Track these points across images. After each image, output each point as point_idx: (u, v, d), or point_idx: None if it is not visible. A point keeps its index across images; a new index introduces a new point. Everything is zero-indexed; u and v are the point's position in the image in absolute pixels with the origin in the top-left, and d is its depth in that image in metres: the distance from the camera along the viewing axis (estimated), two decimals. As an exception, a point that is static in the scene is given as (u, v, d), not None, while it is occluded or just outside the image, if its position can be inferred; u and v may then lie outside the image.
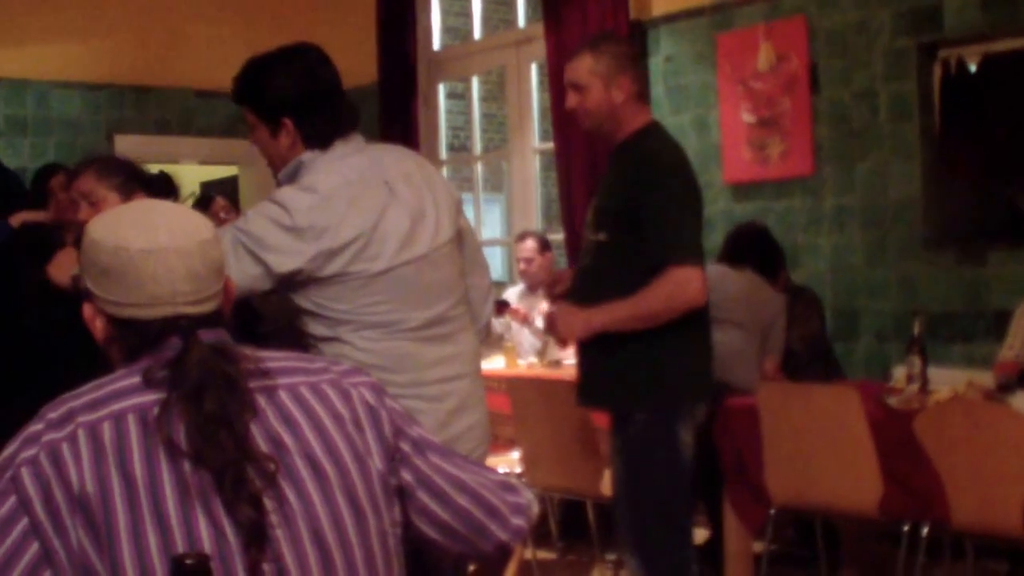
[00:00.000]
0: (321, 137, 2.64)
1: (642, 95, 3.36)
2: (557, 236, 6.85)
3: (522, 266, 6.34)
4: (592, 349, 3.34)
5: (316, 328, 2.61)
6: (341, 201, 2.54)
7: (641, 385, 3.23)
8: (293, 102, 2.63)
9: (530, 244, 6.34)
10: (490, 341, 4.54)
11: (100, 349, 1.54)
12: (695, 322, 3.24)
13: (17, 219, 3.88)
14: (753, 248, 4.92)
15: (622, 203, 3.25)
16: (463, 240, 2.83)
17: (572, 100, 3.36)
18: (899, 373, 4.43)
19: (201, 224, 1.51)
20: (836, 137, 5.39)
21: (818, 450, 3.95)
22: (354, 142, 2.68)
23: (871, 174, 5.26)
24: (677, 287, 3.14)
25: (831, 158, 5.40)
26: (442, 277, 2.68)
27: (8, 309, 3.72)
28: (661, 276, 3.14)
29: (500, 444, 4.95)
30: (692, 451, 3.27)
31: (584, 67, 3.31)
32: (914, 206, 5.13)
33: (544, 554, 5.24)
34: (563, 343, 3.41)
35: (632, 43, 3.46)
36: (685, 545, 3.32)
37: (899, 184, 5.17)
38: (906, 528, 3.81)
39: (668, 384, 3.23)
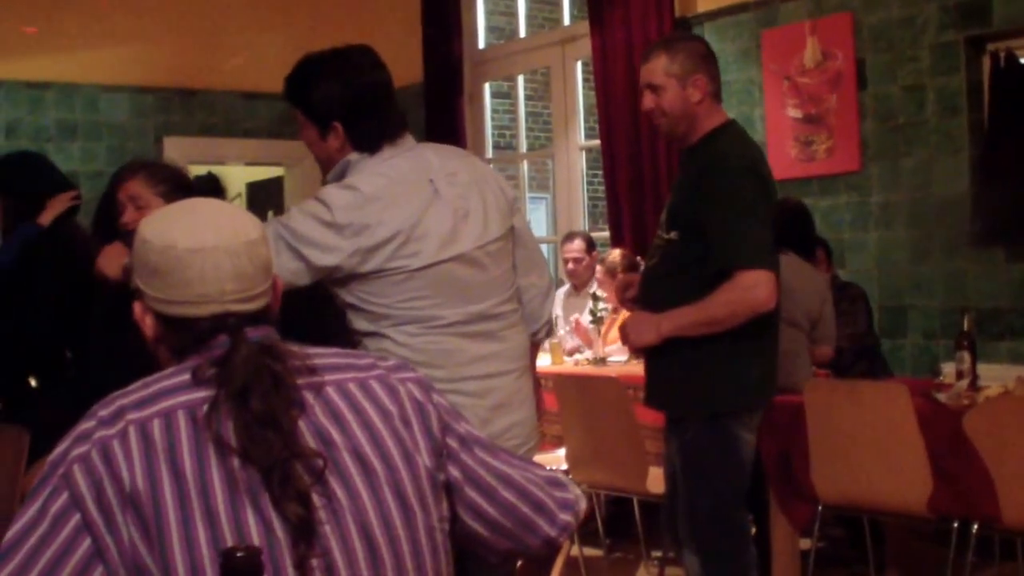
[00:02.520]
0: (370, 141, 2.66)
1: (717, 95, 3.30)
2: (603, 234, 6.85)
3: (570, 266, 6.34)
4: (655, 352, 3.33)
5: (359, 323, 2.64)
6: (382, 200, 2.57)
7: (701, 389, 3.22)
8: (343, 106, 2.65)
9: (578, 244, 6.34)
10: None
11: (130, 345, 1.55)
12: (760, 325, 3.21)
13: (45, 217, 3.92)
14: (792, 227, 4.75)
15: (691, 204, 3.22)
16: (518, 239, 2.83)
17: (649, 101, 3.30)
18: (948, 370, 4.38)
19: (249, 223, 1.52)
20: (883, 133, 5.34)
21: (866, 447, 3.91)
22: (402, 145, 2.70)
23: (918, 170, 5.21)
24: (745, 291, 3.09)
25: (878, 154, 5.36)
26: (487, 275, 2.69)
27: (37, 306, 3.77)
28: (729, 280, 3.09)
29: (547, 442, 4.95)
30: (753, 449, 3.26)
31: (659, 67, 3.26)
32: (962, 202, 5.08)
33: (591, 551, 5.23)
34: (634, 349, 3.39)
35: (706, 42, 3.40)
36: (744, 547, 3.31)
37: (946, 180, 5.12)
38: (955, 527, 3.77)
39: (728, 388, 3.22)
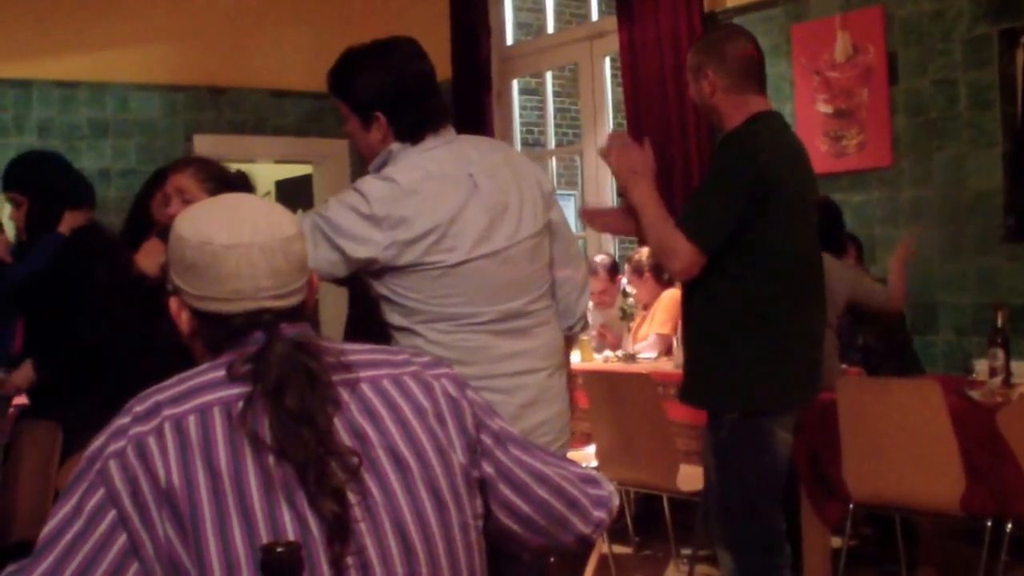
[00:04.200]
0: (413, 131, 2.66)
1: (740, 91, 3.31)
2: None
3: (594, 299, 6.25)
4: (693, 347, 3.36)
5: (392, 317, 2.64)
6: (420, 193, 2.56)
7: (737, 386, 3.22)
8: (385, 97, 2.65)
9: (601, 276, 6.35)
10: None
11: (165, 341, 1.56)
12: (800, 324, 3.26)
13: (65, 226, 3.94)
14: (820, 224, 4.72)
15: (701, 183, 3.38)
16: (555, 232, 2.82)
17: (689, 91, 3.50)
18: (980, 367, 4.34)
19: (285, 219, 1.52)
20: (914, 127, 5.30)
21: (897, 445, 3.89)
22: (444, 135, 2.70)
23: (950, 165, 5.17)
24: (671, 251, 3.20)
25: (909, 149, 5.32)
26: (521, 272, 2.68)
27: (72, 311, 3.80)
28: (676, 232, 3.20)
29: (576, 439, 4.95)
30: (789, 447, 3.26)
31: (687, 64, 3.42)
32: (994, 197, 5.03)
33: (620, 549, 5.23)
34: (605, 158, 3.44)
35: (741, 39, 3.41)
36: (778, 545, 3.30)
37: (979, 175, 5.07)
38: (988, 525, 3.74)
39: (764, 385, 3.22)
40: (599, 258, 6.50)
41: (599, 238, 7.03)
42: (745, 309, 3.21)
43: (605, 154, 3.38)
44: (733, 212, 3.17)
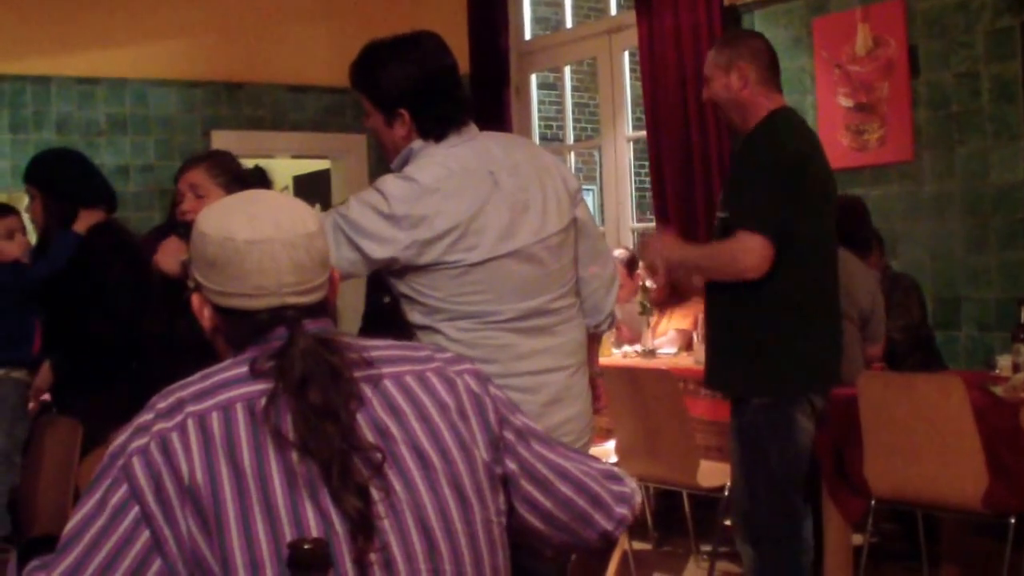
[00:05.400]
0: (437, 128, 2.64)
1: (767, 84, 3.39)
2: (649, 225, 6.81)
3: None
4: (718, 333, 3.40)
5: (413, 315, 2.62)
6: (440, 192, 2.54)
7: (760, 371, 3.26)
8: (411, 93, 2.62)
9: (618, 270, 6.33)
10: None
11: (186, 337, 1.55)
12: (822, 311, 3.34)
13: (80, 225, 3.95)
14: (846, 223, 4.72)
15: (731, 182, 3.39)
16: (581, 230, 2.79)
17: (704, 92, 3.51)
18: (1003, 362, 4.31)
19: (307, 215, 1.52)
20: (936, 121, 5.27)
21: (920, 441, 3.87)
22: (467, 132, 2.68)
23: (972, 158, 5.14)
24: (739, 252, 3.22)
25: (931, 142, 5.29)
26: (544, 269, 2.66)
27: (87, 310, 3.81)
28: (730, 238, 3.25)
29: (596, 434, 4.93)
30: (811, 438, 3.27)
31: (709, 60, 3.46)
32: (1017, 191, 5.00)
33: (640, 545, 5.22)
34: (650, 268, 3.61)
35: (762, 37, 3.49)
36: (799, 534, 3.30)
37: (1002, 168, 5.04)
38: (1011, 522, 3.71)
39: (787, 371, 3.27)
40: (617, 252, 6.48)
41: (617, 233, 7.02)
42: (771, 295, 3.26)
43: (652, 269, 3.58)
44: (782, 200, 3.23)
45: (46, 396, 4.26)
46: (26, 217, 4.36)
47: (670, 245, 3.46)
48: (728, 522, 3.62)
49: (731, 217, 3.26)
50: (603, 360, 5.40)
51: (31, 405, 4.39)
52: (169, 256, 3.09)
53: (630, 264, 6.45)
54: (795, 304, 3.28)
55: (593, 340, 2.92)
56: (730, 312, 3.34)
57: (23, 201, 4.27)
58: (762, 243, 3.19)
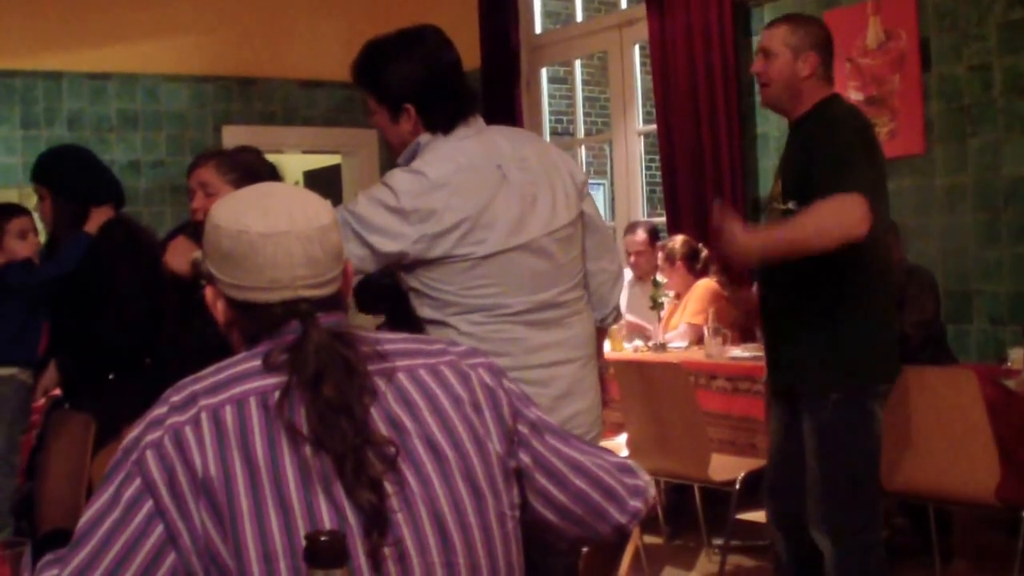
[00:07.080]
0: (443, 122, 2.64)
1: (827, 78, 3.35)
2: (660, 219, 6.81)
3: (632, 259, 6.28)
4: (785, 327, 3.35)
5: (423, 309, 2.62)
6: (449, 186, 2.54)
7: (836, 365, 3.23)
8: (415, 89, 2.62)
9: (640, 236, 6.31)
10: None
11: (198, 334, 1.55)
12: (889, 297, 3.30)
13: (91, 225, 3.93)
14: None
15: (805, 168, 3.21)
16: (588, 224, 2.79)
17: (759, 64, 3.39)
18: (1015, 356, 4.31)
19: (321, 209, 1.51)
20: (948, 114, 5.25)
21: (932, 434, 3.86)
22: (474, 125, 2.68)
23: (984, 152, 5.12)
24: (843, 211, 3.01)
25: (942, 136, 5.27)
26: (554, 262, 2.66)
27: (94, 309, 3.81)
28: (822, 201, 3.05)
29: (607, 428, 4.93)
30: (882, 426, 3.26)
31: (779, 35, 3.35)
32: (1030, 184, 4.99)
33: (651, 539, 5.22)
34: (732, 260, 3.43)
35: (829, 32, 3.43)
36: (876, 523, 3.29)
37: (1014, 161, 5.02)
38: (1024, 515, 3.72)
39: (862, 363, 3.24)
40: (639, 230, 6.41)
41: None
42: (846, 286, 3.21)
43: (718, 246, 3.31)
44: (868, 167, 3.15)
45: (56, 391, 4.26)
46: (35, 216, 4.35)
47: (745, 237, 3.18)
48: (770, 503, 3.55)
49: (819, 188, 3.07)
50: (615, 355, 5.42)
51: (40, 402, 4.40)
52: (179, 256, 3.08)
53: (653, 233, 6.41)
54: (869, 291, 3.23)
55: (599, 334, 2.92)
56: (803, 303, 3.27)
57: (34, 197, 4.26)
58: (863, 200, 3.02)
